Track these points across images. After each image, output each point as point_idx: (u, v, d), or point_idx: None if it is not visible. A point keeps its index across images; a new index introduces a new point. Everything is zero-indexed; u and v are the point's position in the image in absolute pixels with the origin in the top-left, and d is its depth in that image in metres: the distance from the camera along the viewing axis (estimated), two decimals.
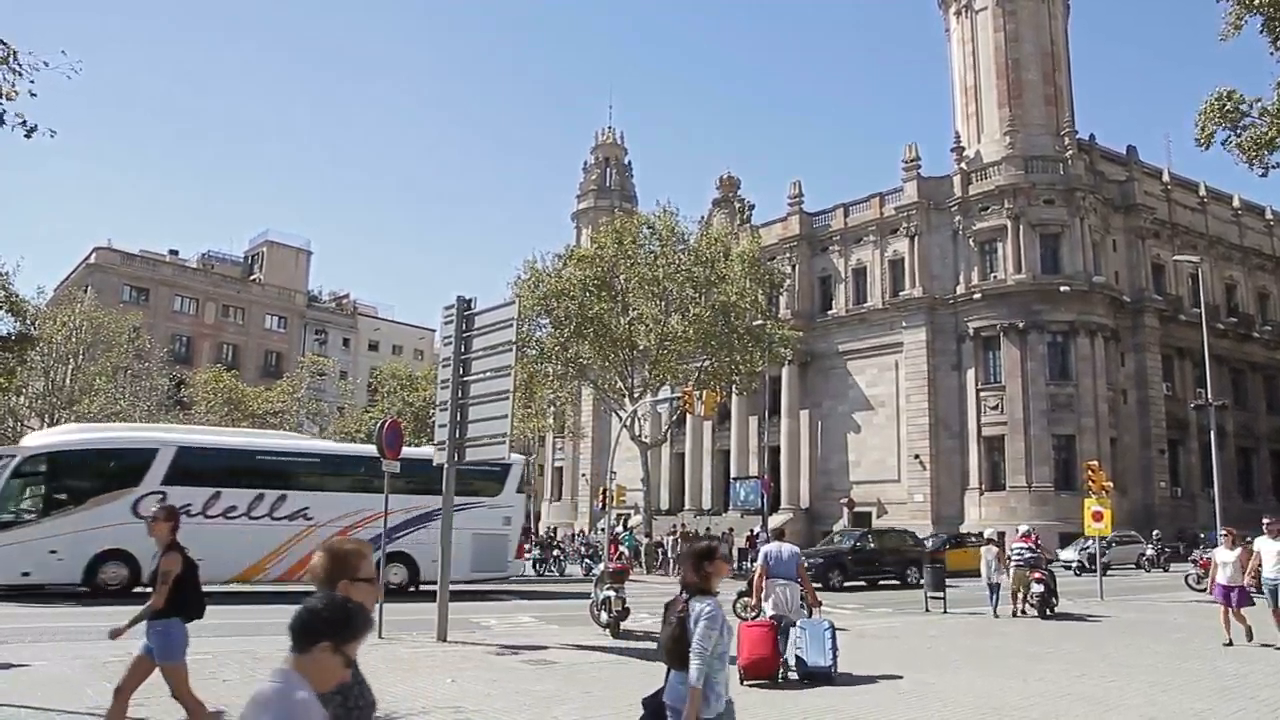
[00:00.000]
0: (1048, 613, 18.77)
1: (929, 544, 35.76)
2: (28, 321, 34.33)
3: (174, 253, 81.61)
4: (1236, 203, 59.23)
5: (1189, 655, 13.58)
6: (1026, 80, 48.99)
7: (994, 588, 19.45)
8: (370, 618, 2.81)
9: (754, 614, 11.93)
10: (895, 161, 53.55)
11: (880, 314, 51.84)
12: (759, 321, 41.82)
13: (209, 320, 75.22)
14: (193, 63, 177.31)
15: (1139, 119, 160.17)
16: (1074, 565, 35.06)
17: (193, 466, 21.30)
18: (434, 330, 77.81)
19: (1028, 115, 48.54)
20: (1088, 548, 31.51)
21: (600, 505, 35.94)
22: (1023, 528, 21.62)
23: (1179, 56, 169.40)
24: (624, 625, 15.14)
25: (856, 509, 49.73)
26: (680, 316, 38.24)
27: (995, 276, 47.57)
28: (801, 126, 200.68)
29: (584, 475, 66.42)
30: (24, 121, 8.84)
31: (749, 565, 27.94)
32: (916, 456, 48.42)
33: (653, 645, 14.08)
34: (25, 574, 19.54)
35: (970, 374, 47.79)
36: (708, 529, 43.98)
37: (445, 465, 14.79)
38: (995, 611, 19.12)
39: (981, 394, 47.20)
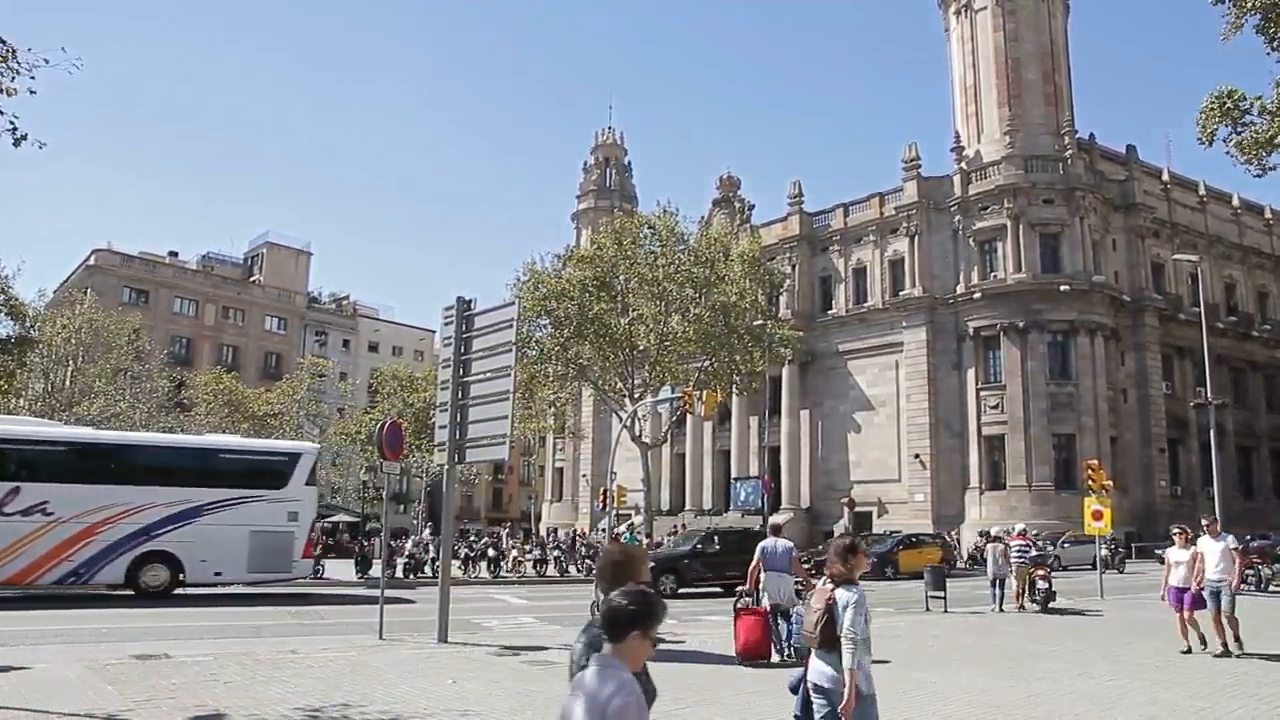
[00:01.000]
0: (1049, 606, 19.59)
1: (885, 544, 36.06)
2: (27, 324, 34.33)
3: (173, 254, 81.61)
4: (1236, 202, 59.25)
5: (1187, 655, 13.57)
6: (1026, 80, 49.00)
7: (999, 583, 20.20)
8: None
9: (749, 600, 13.01)
10: (895, 161, 53.67)
11: (880, 314, 51.84)
12: (759, 321, 41.84)
13: (209, 322, 75.21)
14: (192, 63, 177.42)
15: (1138, 118, 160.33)
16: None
17: None
18: (434, 331, 77.78)
19: (1027, 115, 48.55)
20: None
21: (601, 506, 35.98)
22: (1019, 527, 22.42)
23: (1178, 56, 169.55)
24: None
25: (857, 509, 49.75)
26: (680, 317, 38.25)
27: (995, 276, 47.57)
28: (801, 126, 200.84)
29: (584, 476, 66.43)
30: (14, 129, 8.78)
31: None
32: (917, 456, 48.42)
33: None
34: None
35: (970, 373, 47.80)
36: (675, 528, 43.98)
37: (445, 466, 14.79)
38: (1001, 606, 19.83)
39: (982, 393, 47.21)
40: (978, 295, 47.51)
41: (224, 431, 57.56)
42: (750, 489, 51.16)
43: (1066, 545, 37.49)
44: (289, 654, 12.15)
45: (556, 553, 36.17)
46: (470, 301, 15.06)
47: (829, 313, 54.75)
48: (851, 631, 5.21)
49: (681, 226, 40.03)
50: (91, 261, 71.39)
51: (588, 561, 33.70)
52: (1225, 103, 12.87)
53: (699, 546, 26.50)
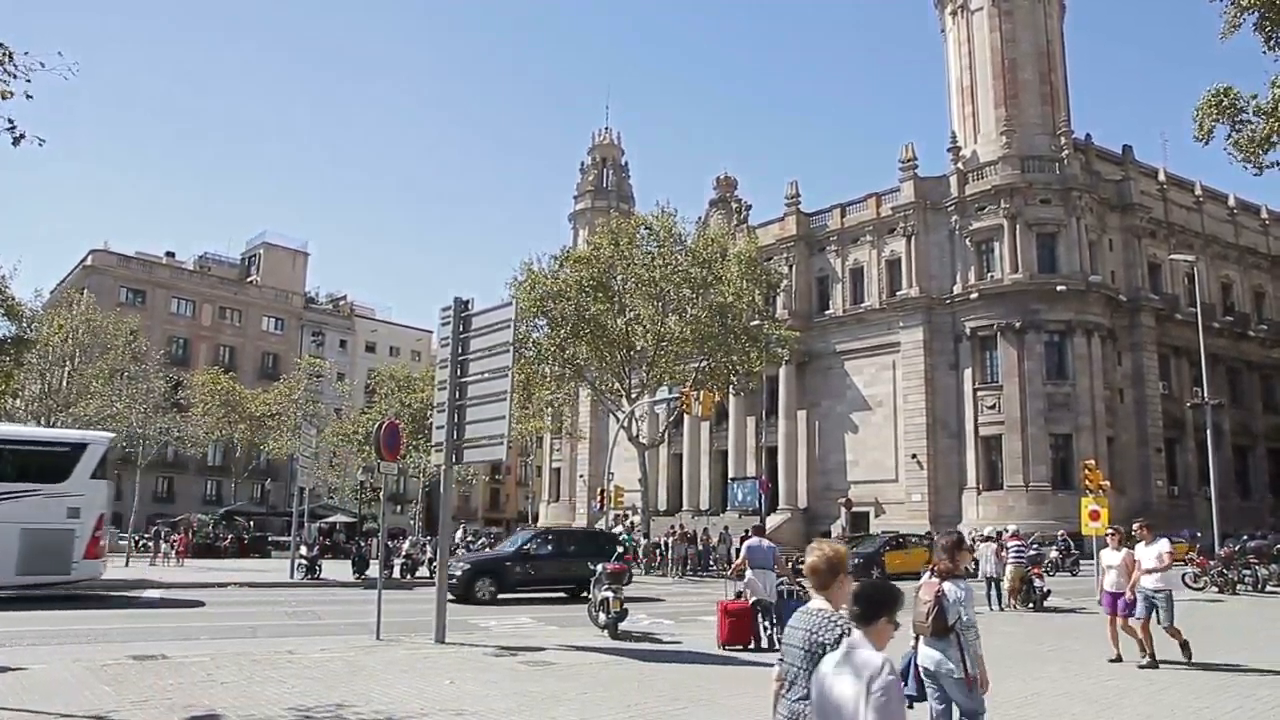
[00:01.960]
0: (1044, 606, 19.96)
1: (872, 546, 36.20)
2: (24, 324, 34.25)
3: (171, 254, 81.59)
4: (1232, 202, 59.32)
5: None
6: (1023, 80, 49.05)
7: (993, 582, 20.41)
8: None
9: (736, 594, 14.60)
10: (892, 161, 53.67)
11: (877, 314, 51.86)
12: (756, 322, 41.86)
13: (206, 322, 75.19)
14: (190, 63, 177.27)
15: (1135, 118, 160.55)
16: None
17: None
18: (431, 331, 77.86)
19: (1024, 115, 48.60)
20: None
21: (598, 506, 35.98)
22: (1011, 527, 22.68)
23: (1175, 56, 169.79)
24: (622, 626, 15.13)
25: (855, 509, 49.77)
26: (678, 317, 38.27)
27: (992, 276, 47.61)
28: (799, 127, 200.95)
29: (582, 476, 66.42)
30: (13, 128, 8.76)
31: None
32: (914, 456, 48.45)
33: (651, 646, 14.11)
34: None
35: (967, 373, 47.84)
36: (705, 530, 43.97)
37: (443, 467, 14.78)
38: (1001, 605, 19.93)
39: (979, 393, 47.25)
40: (975, 295, 47.55)
41: (221, 432, 57.89)
42: (747, 489, 51.16)
43: (1035, 546, 37.16)
44: (286, 654, 12.13)
45: None
46: (468, 302, 15.05)
47: (826, 313, 54.76)
48: (970, 620, 6.02)
49: (679, 227, 40.10)
50: (89, 262, 71.35)
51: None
52: (1222, 100, 12.88)
53: (527, 548, 23.50)
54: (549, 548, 23.73)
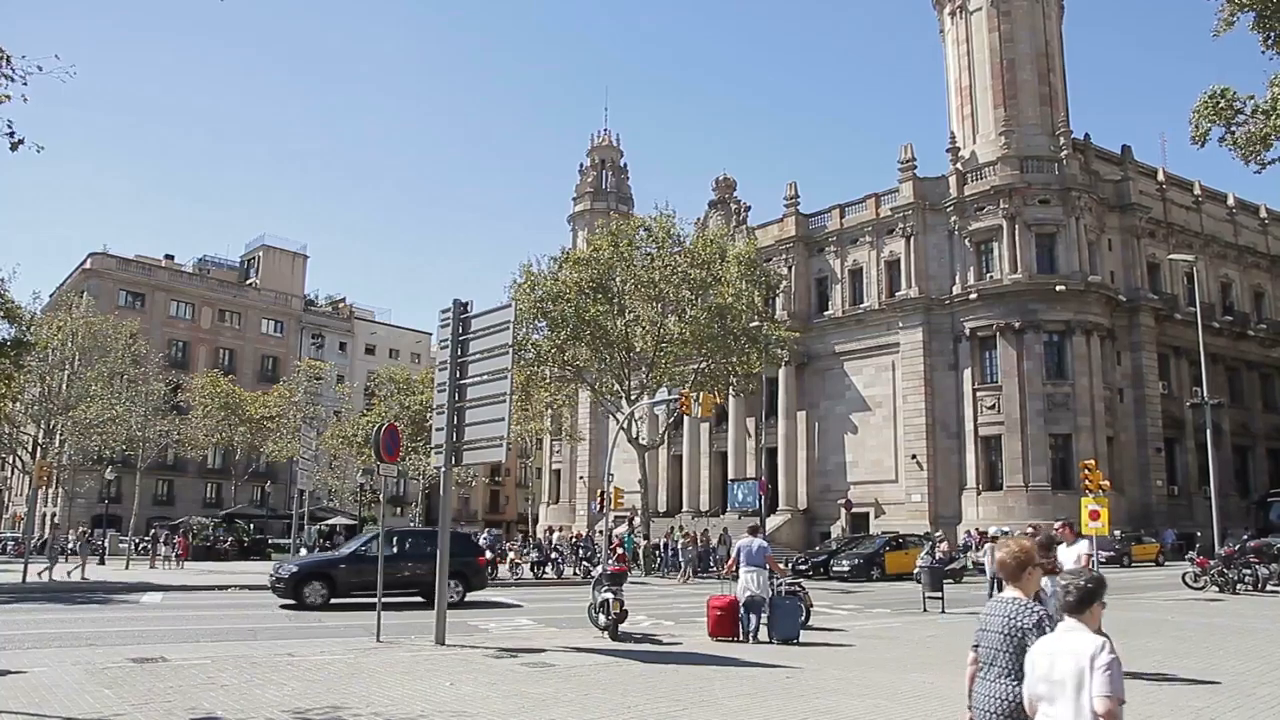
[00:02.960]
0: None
1: (872, 546, 36.24)
2: (23, 327, 34.26)
3: (170, 258, 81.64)
4: (1231, 201, 59.31)
5: (1184, 654, 13.60)
6: (1021, 80, 49.05)
7: (996, 581, 20.40)
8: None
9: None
10: (891, 162, 53.64)
11: (877, 314, 51.85)
12: (755, 323, 41.84)
13: (205, 325, 75.22)
14: (188, 68, 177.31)
15: (1134, 118, 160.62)
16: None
17: None
18: (431, 334, 77.93)
19: (1023, 115, 48.60)
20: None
21: (598, 507, 35.96)
22: (1005, 529, 22.69)
23: (1174, 56, 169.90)
24: (622, 627, 15.13)
25: (854, 510, 49.75)
26: (677, 318, 38.27)
27: (991, 276, 47.60)
28: (798, 128, 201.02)
29: (582, 478, 66.40)
30: (11, 133, 8.77)
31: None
32: (914, 457, 48.42)
33: (651, 648, 14.12)
34: None
35: (967, 374, 47.82)
36: (704, 530, 44.00)
37: (443, 469, 14.79)
38: None
39: (978, 394, 47.23)
40: (974, 296, 47.54)
41: (221, 435, 57.88)
42: (747, 490, 51.08)
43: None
44: (286, 657, 12.14)
45: (555, 555, 36.18)
46: (467, 304, 15.06)
47: (825, 314, 54.74)
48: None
49: (678, 228, 40.07)
50: (88, 265, 71.36)
51: (585, 564, 33.71)
52: (1219, 102, 12.85)
53: (365, 549, 21.41)
54: (392, 549, 21.44)
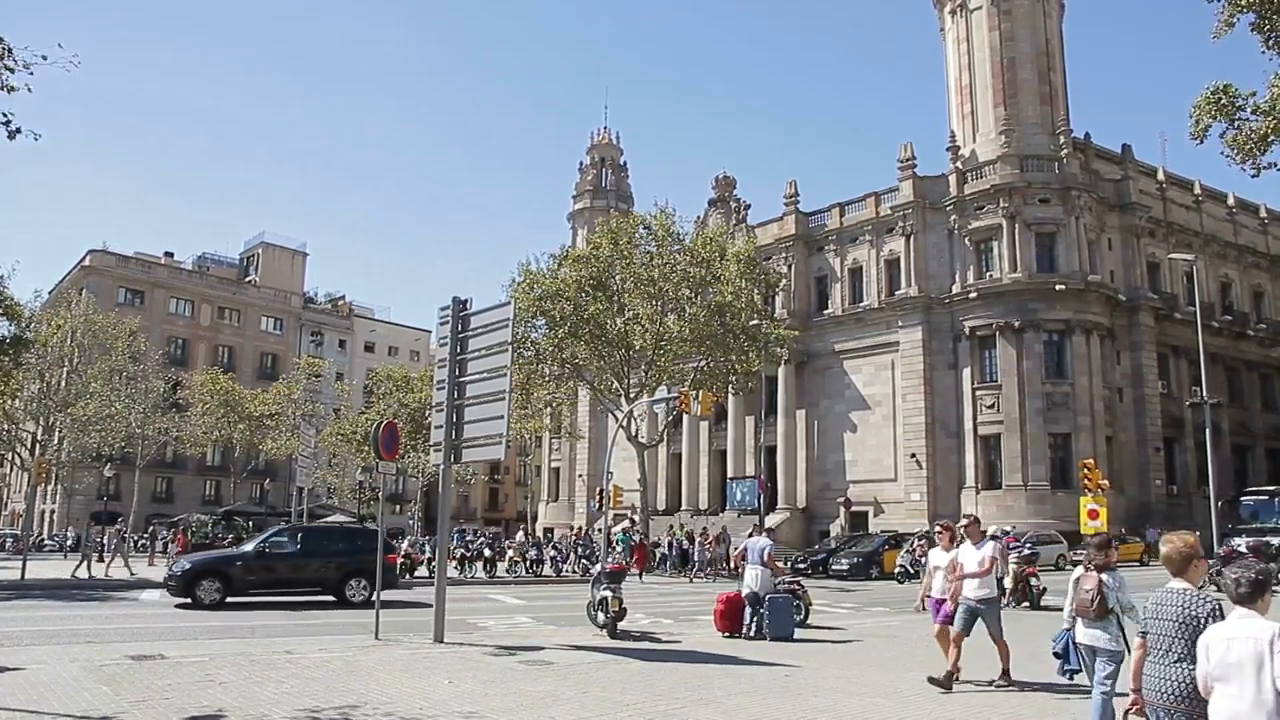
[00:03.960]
0: (1040, 604, 20.18)
1: (870, 545, 36.29)
2: (23, 324, 34.24)
3: (169, 255, 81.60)
4: (1231, 201, 59.30)
5: None
6: (1021, 79, 49.01)
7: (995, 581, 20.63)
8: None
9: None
10: (891, 161, 53.56)
11: (876, 313, 51.84)
12: (755, 321, 41.81)
13: (205, 322, 75.22)
14: (188, 66, 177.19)
15: (1134, 118, 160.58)
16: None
17: None
18: (430, 331, 77.91)
19: (1023, 114, 48.57)
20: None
21: (597, 506, 35.94)
22: (1006, 528, 23.00)
23: (1174, 56, 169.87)
24: (621, 625, 15.13)
25: (854, 508, 49.77)
26: (676, 317, 38.25)
27: (991, 275, 47.58)
28: (798, 126, 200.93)
29: (581, 476, 66.43)
30: (8, 121, 8.76)
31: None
32: (913, 456, 48.42)
33: (650, 646, 14.12)
34: None
35: (966, 373, 47.81)
36: (704, 529, 43.98)
37: (442, 466, 14.78)
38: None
39: (978, 393, 47.23)
40: (973, 295, 47.52)
41: (220, 432, 57.89)
42: (746, 489, 51.12)
43: (1030, 545, 37.48)
44: (284, 654, 12.13)
45: (553, 553, 36.18)
46: (466, 301, 15.05)
47: (825, 312, 54.74)
48: (1129, 603, 7.43)
49: (677, 226, 40.04)
50: (87, 262, 71.36)
51: (584, 562, 33.71)
52: (1220, 98, 12.83)
53: (264, 546, 20.75)
54: (295, 546, 21.06)
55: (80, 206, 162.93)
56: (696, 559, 35.62)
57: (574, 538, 40.59)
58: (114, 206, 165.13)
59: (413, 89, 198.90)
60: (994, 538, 22.16)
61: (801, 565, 34.92)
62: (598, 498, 34.05)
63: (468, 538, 37.06)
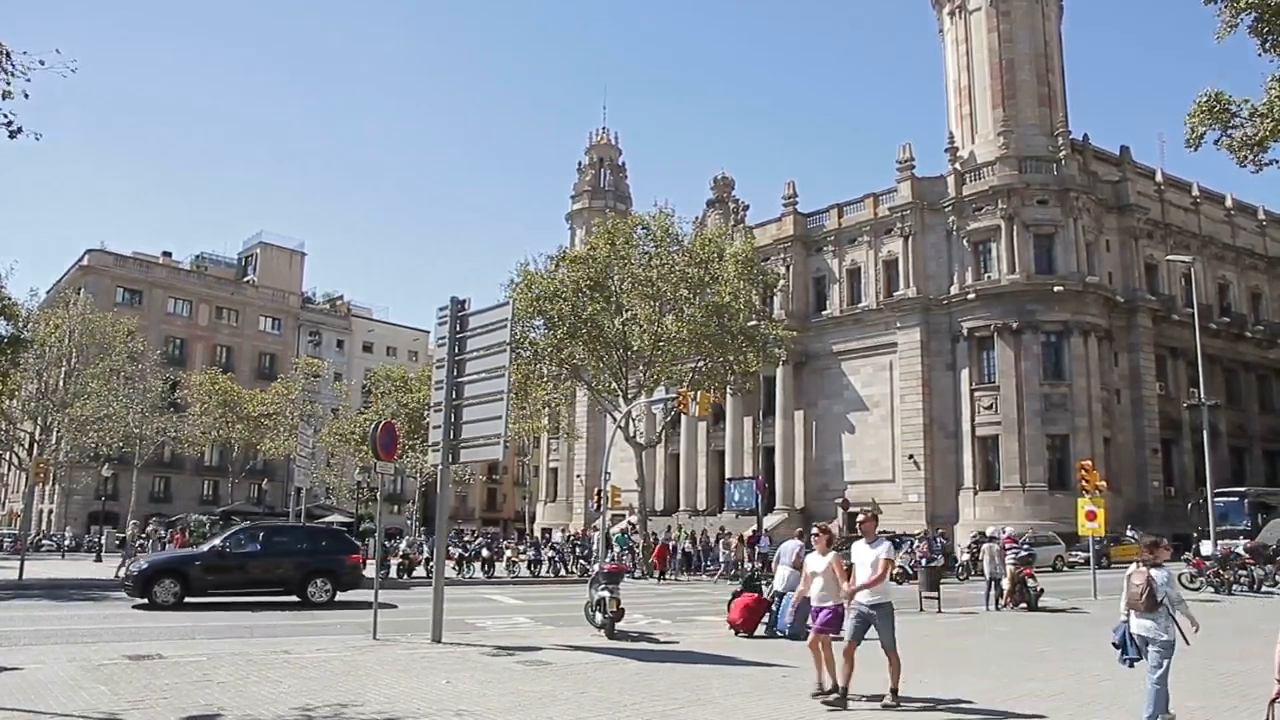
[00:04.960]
0: (1038, 605, 20.18)
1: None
2: (20, 324, 34.18)
3: (167, 255, 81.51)
4: (1229, 203, 59.38)
5: (1184, 654, 13.56)
6: (1020, 81, 49.06)
7: (994, 582, 20.78)
8: None
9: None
10: (890, 162, 53.68)
11: (875, 314, 51.88)
12: (753, 322, 41.85)
13: (203, 322, 75.14)
14: (187, 66, 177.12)
15: (1133, 119, 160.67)
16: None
17: None
18: (428, 331, 77.92)
19: (1021, 116, 48.61)
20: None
21: (595, 506, 35.92)
22: (1008, 529, 23.19)
23: (1173, 56, 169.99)
24: (619, 626, 15.13)
25: (851, 509, 49.72)
26: (674, 317, 38.24)
27: (989, 276, 47.63)
28: (796, 127, 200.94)
29: (579, 476, 66.41)
30: (9, 122, 8.76)
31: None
32: (911, 456, 48.45)
33: (648, 646, 14.12)
34: None
35: (965, 374, 47.85)
36: (704, 530, 44.02)
37: (440, 467, 14.78)
38: (997, 605, 20.31)
39: (976, 394, 47.26)
40: (972, 296, 47.56)
41: (219, 432, 57.83)
42: (745, 489, 51.11)
43: (1028, 546, 37.60)
44: (282, 654, 12.13)
45: (551, 553, 36.17)
46: (464, 302, 15.05)
47: (823, 313, 54.77)
48: (1177, 597, 8.07)
49: (676, 227, 40.02)
50: (85, 262, 71.28)
51: (582, 562, 33.70)
52: (1214, 106, 12.83)
53: (224, 545, 20.43)
54: (255, 545, 20.62)
55: (79, 206, 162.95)
56: (722, 560, 35.83)
57: (573, 537, 40.61)
58: (113, 206, 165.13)
59: (412, 89, 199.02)
60: (991, 538, 22.31)
61: None
62: (596, 498, 34.03)
63: (465, 538, 37.07)
